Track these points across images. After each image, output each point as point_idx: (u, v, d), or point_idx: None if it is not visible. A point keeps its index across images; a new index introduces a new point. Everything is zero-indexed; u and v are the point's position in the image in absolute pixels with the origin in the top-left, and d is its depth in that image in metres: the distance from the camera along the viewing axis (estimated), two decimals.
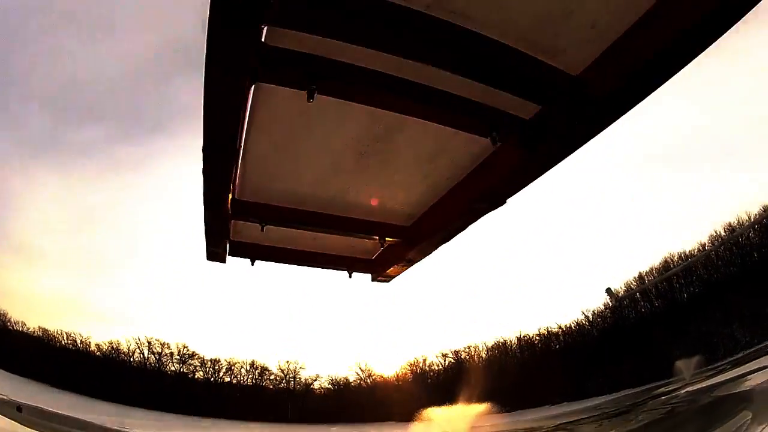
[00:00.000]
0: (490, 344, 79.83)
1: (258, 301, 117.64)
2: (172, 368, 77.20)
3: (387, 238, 3.35)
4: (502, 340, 79.15)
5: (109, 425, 43.27)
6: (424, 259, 3.47)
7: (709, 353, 46.76)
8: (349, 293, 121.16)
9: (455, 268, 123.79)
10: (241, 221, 3.21)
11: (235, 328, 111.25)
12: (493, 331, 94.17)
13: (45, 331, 70.67)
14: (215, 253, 3.37)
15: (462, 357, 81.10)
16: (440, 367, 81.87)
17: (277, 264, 3.65)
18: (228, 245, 3.41)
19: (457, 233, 3.16)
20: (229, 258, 3.47)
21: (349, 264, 3.70)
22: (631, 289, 64.58)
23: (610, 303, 66.26)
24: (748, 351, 43.20)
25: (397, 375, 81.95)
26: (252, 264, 3.52)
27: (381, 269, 3.69)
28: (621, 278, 67.22)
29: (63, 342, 71.42)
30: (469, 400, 54.24)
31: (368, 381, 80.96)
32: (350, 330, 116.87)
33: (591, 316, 72.19)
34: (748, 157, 71.88)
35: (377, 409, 68.11)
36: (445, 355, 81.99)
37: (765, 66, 58.33)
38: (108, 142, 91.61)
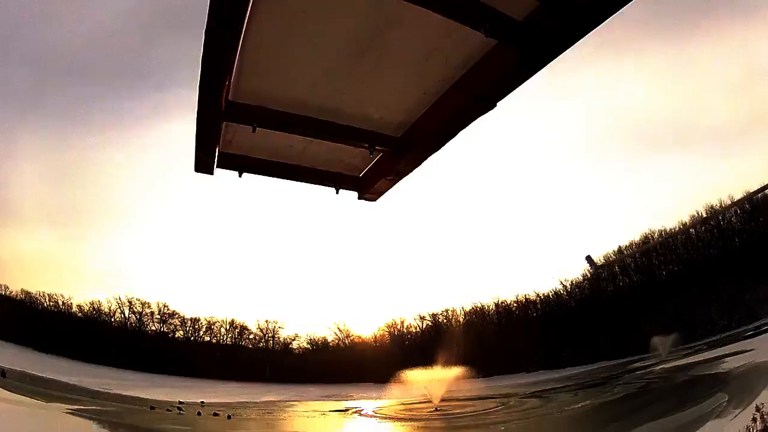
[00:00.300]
0: (467, 308, 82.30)
1: (239, 257, 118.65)
2: (153, 328, 78.38)
3: (377, 147, 3.43)
4: (479, 305, 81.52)
5: (91, 387, 44.55)
6: (412, 172, 3.61)
7: (686, 332, 49.23)
8: (328, 251, 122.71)
9: (435, 229, 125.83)
10: (232, 125, 3.26)
11: (216, 285, 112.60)
12: (471, 295, 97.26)
13: (27, 293, 71.18)
14: (204, 162, 3.39)
15: (440, 320, 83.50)
16: (418, 329, 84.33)
17: (265, 177, 3.78)
18: (217, 156, 3.46)
19: (447, 141, 3.27)
20: (217, 170, 3.55)
21: (337, 180, 3.81)
22: (611, 259, 66.56)
23: (589, 272, 68.35)
24: (725, 334, 45.76)
25: (375, 336, 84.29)
26: (240, 176, 3.60)
27: (368, 185, 3.81)
28: (601, 251, 69.29)
29: (45, 304, 72.09)
30: (446, 363, 56.05)
31: (346, 341, 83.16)
32: (329, 289, 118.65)
33: (569, 286, 74.90)
34: (737, 142, 74.37)
35: (355, 369, 70.34)
36: (422, 318, 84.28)
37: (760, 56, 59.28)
38: (86, 97, 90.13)
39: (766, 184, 5.96)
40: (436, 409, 44.15)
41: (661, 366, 43.13)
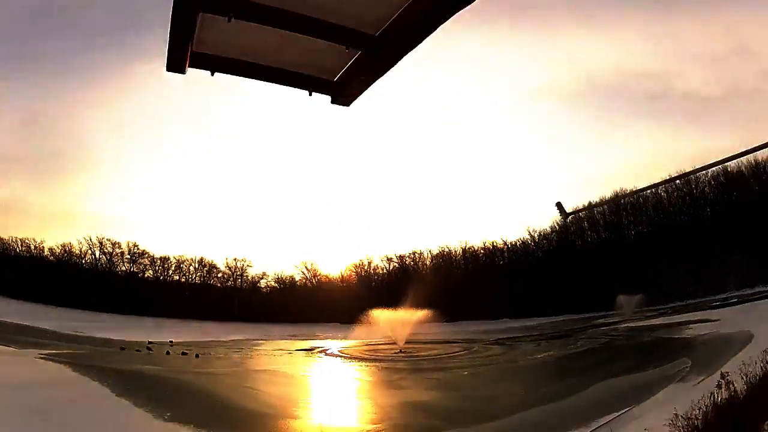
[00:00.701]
0: (435, 252, 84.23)
1: (208, 195, 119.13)
2: (123, 268, 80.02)
3: (353, 44, 3.40)
4: (447, 249, 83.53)
5: (63, 331, 45.37)
6: (388, 72, 3.58)
7: (652, 295, 51.78)
8: (297, 188, 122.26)
9: (406, 172, 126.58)
10: (207, 19, 3.22)
11: (185, 224, 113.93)
12: (438, 238, 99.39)
13: (0, 239, 72.61)
14: (176, 60, 3.37)
15: (407, 262, 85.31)
16: (385, 271, 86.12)
17: (237, 77, 3.79)
18: (190, 55, 3.46)
19: (425, 37, 3.24)
20: (189, 70, 3.53)
21: (310, 83, 3.83)
22: (581, 210, 68.20)
23: (558, 223, 70.13)
24: (691, 301, 48.30)
25: (342, 276, 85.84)
26: (212, 75, 3.61)
27: (342, 90, 3.82)
28: (570, 205, 71.09)
29: (18, 249, 74.24)
30: (412, 306, 57.56)
31: (313, 281, 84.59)
32: (298, 227, 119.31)
33: (537, 237, 77.17)
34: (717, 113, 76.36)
35: (321, 309, 71.74)
36: (390, 260, 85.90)
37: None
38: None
39: (739, 152, 5.91)
40: (401, 351, 45.80)
41: (625, 324, 45.66)
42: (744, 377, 14.22)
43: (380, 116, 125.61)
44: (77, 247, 77.85)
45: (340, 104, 3.87)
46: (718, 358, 20.62)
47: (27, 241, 75.01)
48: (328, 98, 3.87)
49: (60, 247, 76.89)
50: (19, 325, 43.78)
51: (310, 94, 3.76)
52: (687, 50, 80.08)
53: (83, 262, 78.05)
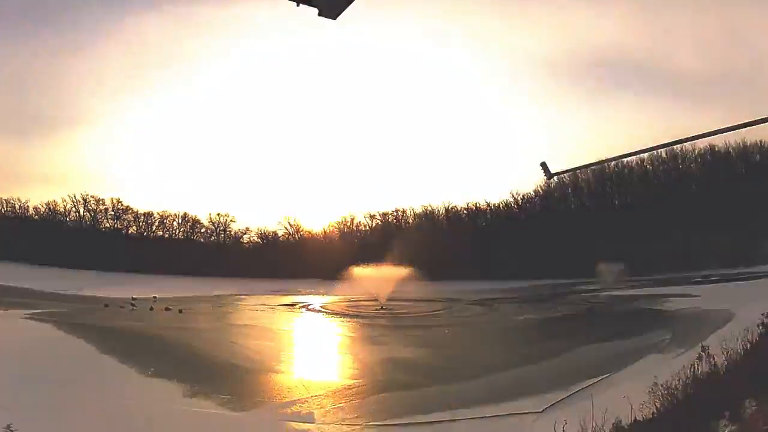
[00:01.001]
0: (418, 211, 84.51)
1: (191, 151, 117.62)
2: (107, 225, 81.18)
3: None
4: (430, 208, 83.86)
5: (47, 290, 45.64)
6: None
7: (633, 265, 52.40)
8: (280, 143, 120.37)
9: (393, 129, 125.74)
10: None
11: (168, 179, 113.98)
12: (421, 197, 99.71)
13: None
14: None
15: (390, 220, 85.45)
16: (367, 228, 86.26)
17: None
18: None
19: None
20: None
21: None
22: (565, 171, 68.57)
23: (541, 188, 70.35)
24: (672, 275, 49.13)
25: (325, 232, 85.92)
26: None
27: (329, 2, 3.64)
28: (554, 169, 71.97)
29: (2, 209, 75.40)
30: (394, 264, 57.92)
31: (296, 236, 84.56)
32: (280, 182, 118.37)
33: (520, 200, 77.49)
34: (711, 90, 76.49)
35: (303, 264, 71.86)
36: (372, 217, 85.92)
37: None
38: None
39: (723, 127, 5.80)
40: (382, 308, 46.26)
41: (605, 293, 46.49)
42: (725, 353, 14.33)
43: (369, 73, 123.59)
44: (62, 205, 78.44)
45: (326, 17, 3.71)
46: (698, 333, 21.05)
47: (12, 201, 76.08)
48: (316, 11, 3.63)
49: (44, 206, 77.66)
50: (4, 286, 44.37)
51: (298, 5, 3.59)
52: (680, 29, 79.62)
53: (67, 219, 78.87)
